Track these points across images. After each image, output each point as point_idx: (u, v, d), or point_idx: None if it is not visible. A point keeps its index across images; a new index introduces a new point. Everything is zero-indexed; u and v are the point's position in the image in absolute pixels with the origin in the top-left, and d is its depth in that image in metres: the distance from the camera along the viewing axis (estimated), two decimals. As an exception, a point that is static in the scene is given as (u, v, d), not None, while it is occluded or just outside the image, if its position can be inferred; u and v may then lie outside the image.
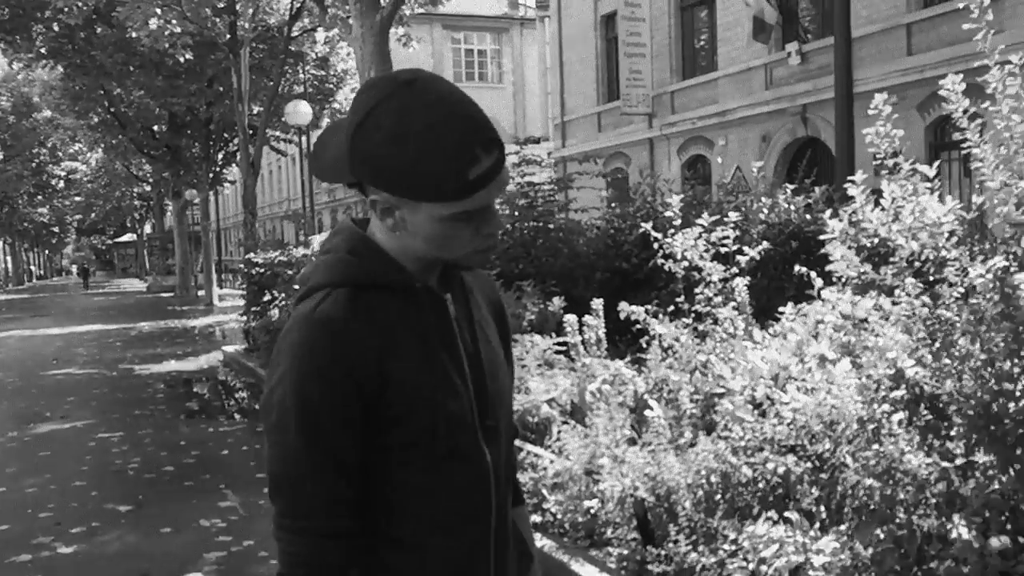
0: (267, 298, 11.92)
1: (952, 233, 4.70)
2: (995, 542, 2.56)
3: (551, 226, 8.81)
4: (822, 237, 5.77)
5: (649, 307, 5.53)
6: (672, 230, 5.55)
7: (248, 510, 5.65)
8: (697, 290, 5.39)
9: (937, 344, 2.98)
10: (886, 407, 2.88)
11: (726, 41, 20.44)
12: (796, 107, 18.51)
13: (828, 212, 7.10)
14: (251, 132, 22.22)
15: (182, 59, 23.51)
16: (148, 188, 46.39)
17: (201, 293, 31.41)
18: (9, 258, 67.97)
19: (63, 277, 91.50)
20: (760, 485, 3.37)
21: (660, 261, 5.59)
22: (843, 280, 4.40)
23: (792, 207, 7.98)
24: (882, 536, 2.67)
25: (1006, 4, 13.94)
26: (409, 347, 1.31)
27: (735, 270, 5.54)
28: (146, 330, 19.95)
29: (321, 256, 1.39)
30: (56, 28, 24.64)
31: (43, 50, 26.42)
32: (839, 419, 3.01)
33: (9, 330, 21.65)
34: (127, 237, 71.27)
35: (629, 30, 22.36)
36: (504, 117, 41.06)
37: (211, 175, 31.88)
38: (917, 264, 4.84)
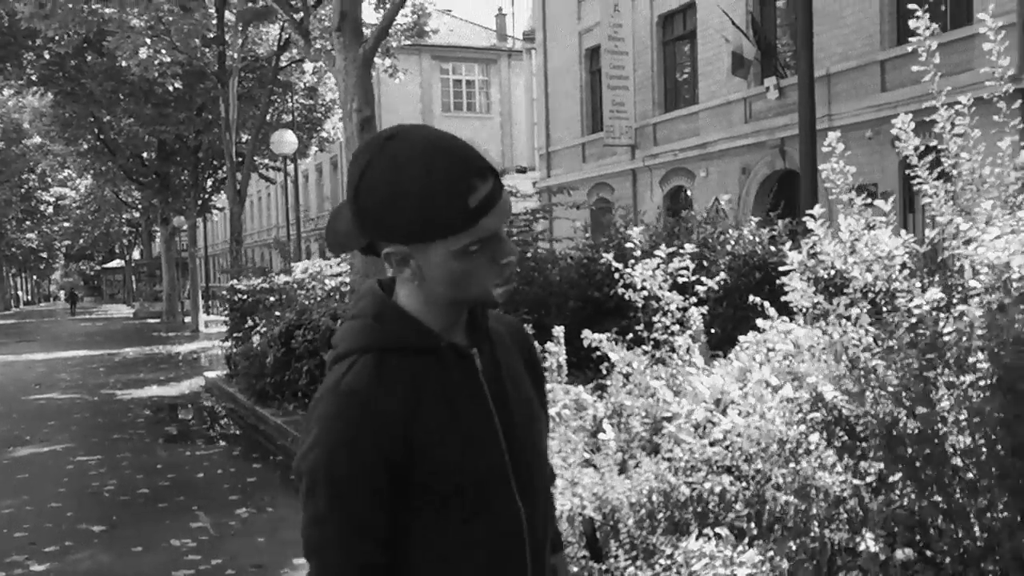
0: (249, 324, 12.07)
1: (904, 265, 4.94)
2: (899, 554, 2.75)
3: (526, 255, 9.02)
4: (782, 268, 6.01)
5: (609, 335, 5.73)
6: (633, 260, 5.77)
7: (219, 531, 5.80)
8: (655, 318, 5.60)
9: (857, 370, 3.19)
10: (802, 428, 3.07)
11: (707, 75, 20.83)
12: (775, 140, 18.86)
13: (788, 244, 7.33)
14: (239, 160, 22.46)
15: (171, 88, 23.76)
16: (137, 215, 46.59)
17: (188, 319, 31.48)
18: (-4, 283, 67.87)
19: (51, 303, 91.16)
20: (697, 503, 3.56)
21: (621, 290, 5.80)
22: (800, 310, 4.60)
23: (757, 239, 8.22)
24: (795, 549, 2.86)
25: (975, 42, 14.36)
26: (433, 410, 1.32)
27: (694, 300, 5.76)
28: (130, 356, 20.03)
29: (348, 320, 1.41)
30: (47, 56, 24.85)
31: (33, 77, 26.65)
32: (765, 440, 3.20)
33: (-7, 355, 21.70)
34: (115, 263, 71.21)
35: (613, 63, 22.75)
36: (492, 147, 41.43)
37: (199, 202, 32.09)
38: (871, 295, 5.09)
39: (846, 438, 3.02)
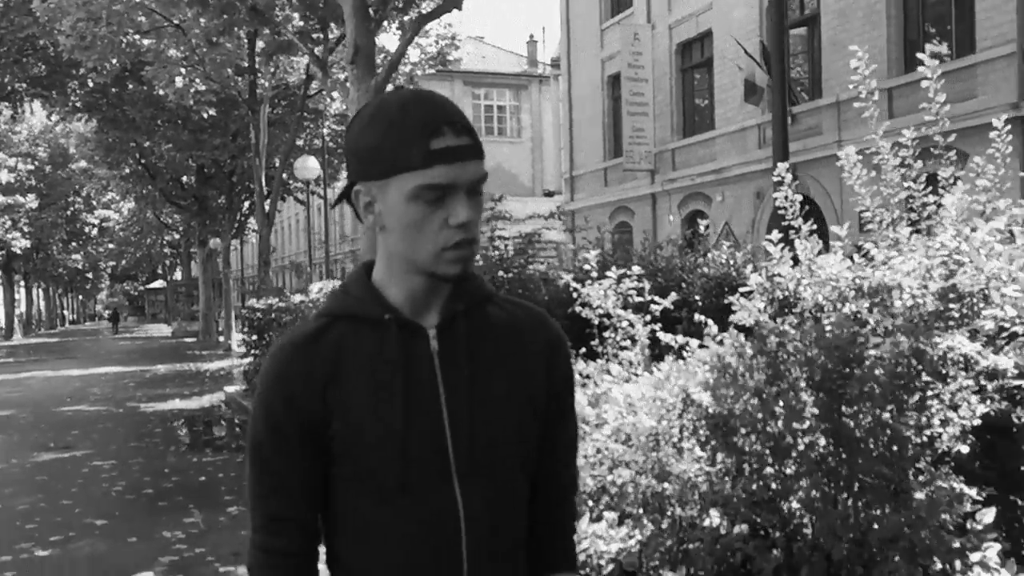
0: (265, 341, 12.69)
1: (858, 289, 5.37)
2: (736, 529, 3.18)
3: (510, 275, 9.50)
4: (742, 289, 6.48)
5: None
6: (590, 281, 6.23)
7: (208, 525, 6.33)
8: (606, 334, 6.06)
9: (726, 375, 3.63)
10: (665, 423, 3.52)
11: (723, 102, 21.24)
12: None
13: (750, 268, 7.76)
14: (268, 185, 23.29)
15: (206, 115, 24.81)
16: (177, 236, 47.88)
17: (222, 338, 32.38)
18: (43, 303, 69.81)
19: (95, 322, 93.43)
20: (601, 493, 4.00)
21: (578, 308, 6.26)
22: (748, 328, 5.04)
23: (731, 261, 8.63)
24: (647, 524, 3.29)
25: (978, 71, 14.66)
26: (361, 379, 1.31)
27: (648, 317, 6.20)
28: (161, 372, 20.82)
29: None
30: (90, 84, 25.95)
31: (78, 104, 27.85)
32: (636, 434, 3.64)
33: (33, 372, 22.64)
34: (157, 284, 72.89)
35: (632, 90, 23.26)
36: (523, 171, 42.09)
37: (235, 225, 33.09)
38: (820, 314, 5.55)
39: (707, 433, 3.46)
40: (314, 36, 16.52)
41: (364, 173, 1.31)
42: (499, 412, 1.36)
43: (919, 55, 6.84)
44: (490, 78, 41.84)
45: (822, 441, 3.23)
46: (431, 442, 1.31)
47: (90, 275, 75.84)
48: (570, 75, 28.14)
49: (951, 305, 5.03)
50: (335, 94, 25.44)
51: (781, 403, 3.31)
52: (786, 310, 5.51)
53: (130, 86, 25.70)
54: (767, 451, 3.36)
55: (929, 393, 3.33)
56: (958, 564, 3.36)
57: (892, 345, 3.38)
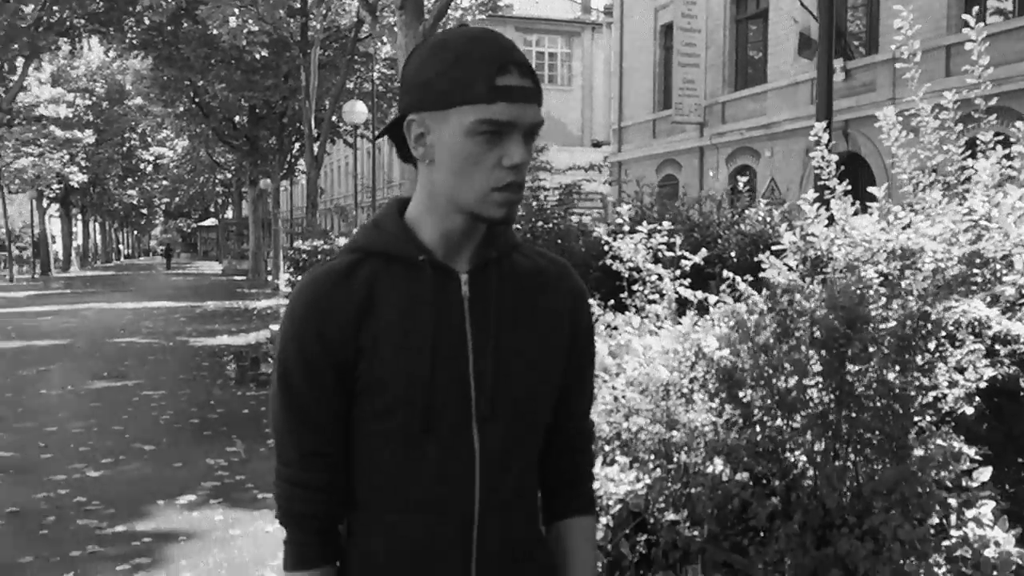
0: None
1: (891, 251, 5.43)
2: (739, 476, 3.34)
3: (550, 226, 9.63)
4: (774, 247, 6.56)
5: (599, 301, 6.33)
6: (621, 235, 6.35)
7: (248, 455, 6.66)
8: (635, 287, 6.19)
9: (737, 331, 3.76)
10: (677, 375, 3.66)
11: (776, 55, 20.89)
12: (839, 122, 18.88)
13: (784, 226, 7.83)
14: (317, 128, 23.51)
15: (258, 56, 24.98)
16: (229, 176, 48.58)
17: (271, 278, 33.01)
18: (99, 237, 71.50)
19: (150, 257, 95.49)
20: (616, 439, 4.18)
21: (608, 261, 6.39)
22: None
23: (768, 219, 8.66)
24: (653, 468, 3.46)
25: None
26: (392, 318, 1.31)
27: (678, 272, 6.32)
28: (210, 309, 21.38)
29: None
30: (146, 21, 26.28)
31: (134, 41, 28.23)
32: (651, 384, 3.80)
33: (89, 303, 23.38)
34: (210, 222, 74.14)
35: (685, 40, 22.95)
36: (572, 119, 41.82)
37: (285, 166, 33.49)
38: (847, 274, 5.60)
39: (716, 385, 3.60)
40: (365, -20, 16.56)
41: (422, 103, 1.29)
42: (523, 360, 1.36)
43: (964, 16, 6.78)
44: (542, 24, 41.38)
45: (826, 397, 3.36)
46: (455, 387, 1.32)
47: (145, 211, 77.38)
48: (622, 23, 27.80)
49: (975, 270, 5.09)
50: (385, 38, 25.53)
51: (788, 359, 3.45)
52: (818, 269, 5.60)
53: (185, 25, 25.96)
54: (773, 405, 3.51)
55: (936, 355, 3.43)
56: (953, 519, 3.50)
57: (900, 307, 3.48)
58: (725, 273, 6.00)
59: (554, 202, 10.37)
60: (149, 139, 50.57)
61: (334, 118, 26.05)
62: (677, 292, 6.23)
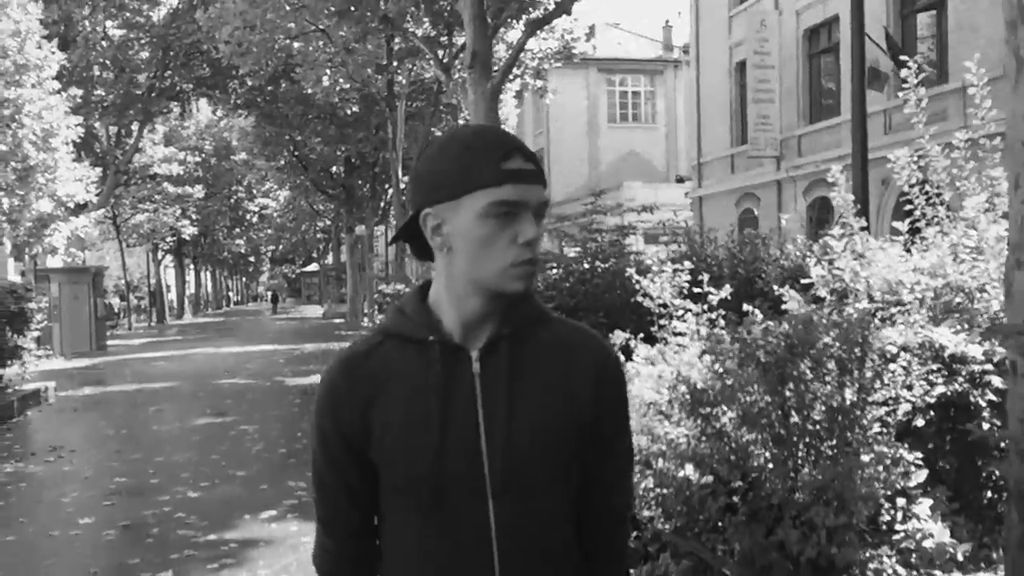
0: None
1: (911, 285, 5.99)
2: (704, 479, 3.95)
3: (607, 265, 10.28)
4: (803, 281, 7.15)
5: (627, 333, 6.97)
6: (651, 274, 6.99)
7: (326, 478, 7.51)
8: (662, 322, 6.81)
9: (710, 358, 4.39)
10: (659, 395, 4.30)
11: (848, 87, 21.09)
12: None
13: (814, 261, 8.36)
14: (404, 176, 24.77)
15: (350, 111, 26.57)
16: (328, 223, 50.75)
17: (367, 321, 34.40)
18: (210, 285, 75.14)
19: (258, 303, 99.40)
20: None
21: (639, 299, 7.04)
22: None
23: (807, 254, 9.15)
24: (635, 474, 4.10)
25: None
26: (401, 397, 1.37)
27: (705, 306, 6.91)
28: (308, 350, 22.69)
29: None
30: (248, 83, 28.17)
31: (238, 102, 30.27)
32: (637, 403, 4.44)
33: (198, 348, 25.06)
34: (312, 267, 77.00)
35: (759, 77, 23.38)
36: (656, 156, 42.32)
37: (379, 212, 35.06)
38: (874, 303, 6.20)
39: (689, 404, 4.23)
40: (440, 41, 17.70)
41: (436, 196, 1.35)
42: (536, 434, 1.37)
43: (966, 63, 7.32)
44: (625, 64, 42.15)
45: (775, 414, 3.96)
46: (467, 462, 1.35)
47: (252, 259, 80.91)
48: (699, 63, 28.37)
49: (956, 298, 5.61)
50: (457, 95, 26.80)
51: (750, 380, 4.07)
52: (844, 300, 6.15)
53: (283, 85, 27.75)
54: (739, 419, 4.12)
55: (869, 375, 3.99)
56: (899, 516, 4.05)
57: (842, 332, 4.07)
58: (744, 307, 6.60)
59: (608, 243, 11.04)
60: (254, 191, 53.25)
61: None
62: (708, 323, 6.84)
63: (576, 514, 1.45)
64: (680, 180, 35.62)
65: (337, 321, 39.50)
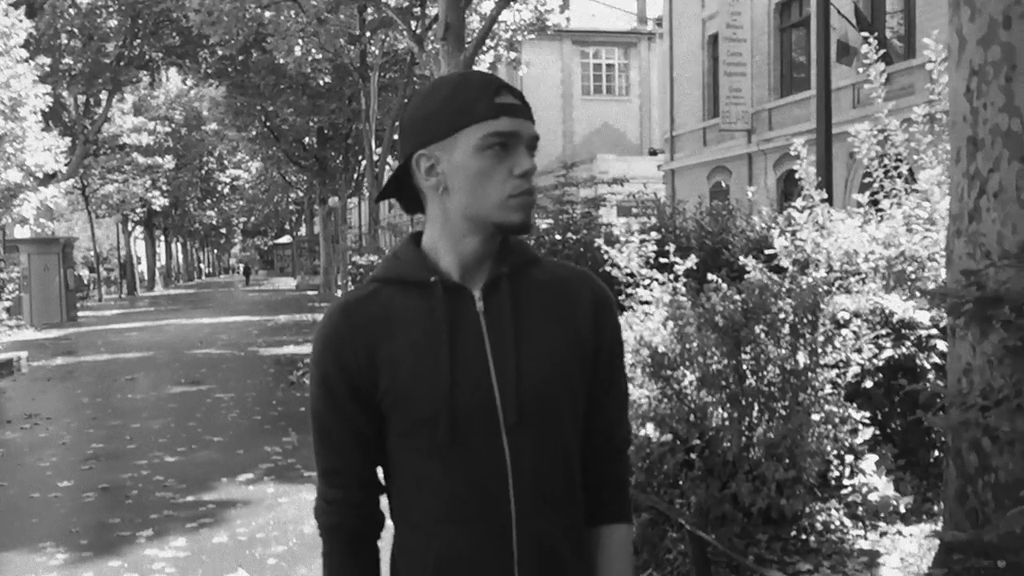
0: (366, 293, 14.07)
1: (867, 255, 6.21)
2: (664, 437, 4.16)
3: (576, 237, 10.47)
4: (767, 252, 7.38)
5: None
6: (618, 244, 7.18)
7: (300, 443, 7.67)
8: (629, 291, 7.01)
9: (672, 324, 4.59)
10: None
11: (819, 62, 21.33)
12: (880, 126, 19.29)
13: (776, 232, 8.58)
14: (378, 147, 24.74)
15: (322, 82, 26.42)
16: (301, 194, 50.50)
17: (340, 292, 34.44)
18: (181, 257, 74.58)
19: (229, 275, 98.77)
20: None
21: (608, 268, 7.23)
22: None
23: (771, 226, 9.38)
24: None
25: None
26: (407, 338, 1.37)
27: (672, 276, 7.12)
28: (281, 321, 22.75)
29: None
30: (219, 53, 27.91)
31: (209, 71, 30.00)
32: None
33: (170, 319, 25.04)
34: (285, 239, 76.60)
35: (730, 50, 23.55)
36: (630, 129, 42.40)
37: (352, 184, 34.98)
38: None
39: (651, 367, 4.44)
40: (413, 12, 17.69)
41: (428, 136, 1.37)
42: (545, 365, 1.39)
43: (925, 39, 7.52)
44: (599, 36, 42.01)
45: (732, 377, 4.17)
46: (479, 397, 1.36)
47: (224, 230, 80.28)
48: (672, 36, 28.49)
49: (908, 267, 5.85)
50: (430, 67, 26.75)
51: (709, 344, 4.27)
52: (806, 269, 6.36)
53: (254, 55, 27.51)
54: (696, 382, 4.33)
55: (821, 339, 4.21)
56: (847, 471, 4.29)
57: (796, 299, 4.28)
58: (709, 276, 6.81)
59: (580, 215, 11.22)
60: (225, 162, 52.83)
61: (395, 137, 27.29)
62: (673, 292, 7.04)
63: (580, 447, 1.46)
64: (653, 153, 35.80)
65: (310, 293, 39.49)
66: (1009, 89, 3.53)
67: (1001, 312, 2.56)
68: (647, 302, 6.92)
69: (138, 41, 28.58)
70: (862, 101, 19.93)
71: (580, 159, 35.79)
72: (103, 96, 29.52)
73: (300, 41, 22.73)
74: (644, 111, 42.64)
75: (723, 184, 24.84)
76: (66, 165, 25.96)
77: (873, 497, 4.15)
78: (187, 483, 6.47)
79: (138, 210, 45.33)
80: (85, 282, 40.79)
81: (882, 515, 4.12)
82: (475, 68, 13.50)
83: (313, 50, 23.41)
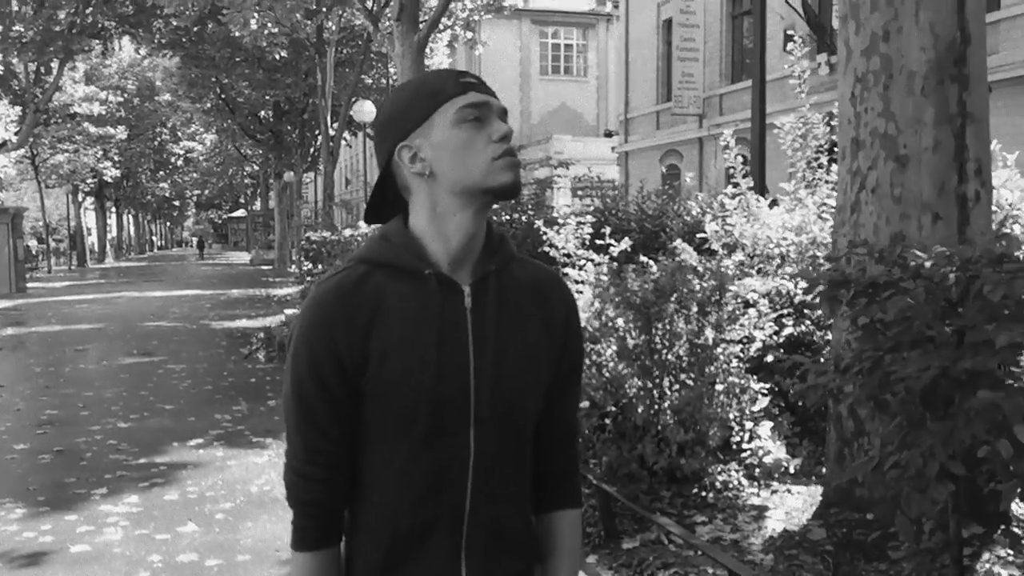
0: (318, 269, 14.35)
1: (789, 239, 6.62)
2: (582, 404, 4.58)
3: (524, 218, 10.84)
4: (699, 236, 7.80)
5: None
6: (556, 226, 7.56)
7: (251, 412, 7.99)
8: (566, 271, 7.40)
9: (597, 302, 4.99)
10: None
11: (768, 49, 21.84)
12: (824, 113, 19.87)
13: (708, 217, 9.00)
14: (335, 123, 24.83)
15: (278, 56, 26.39)
16: (256, 168, 50.19)
17: (294, 267, 34.47)
18: (133, 229, 73.67)
19: (183, 248, 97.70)
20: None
21: (546, 249, 7.61)
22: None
23: (705, 211, 9.84)
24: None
25: (1000, 27, 15.21)
26: (398, 329, 1.39)
27: (607, 257, 7.52)
28: (234, 296, 22.87)
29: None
30: (173, 23, 27.69)
31: (163, 41, 29.69)
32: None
33: (122, 292, 25.00)
34: (239, 213, 75.89)
35: (684, 35, 23.99)
36: (587, 110, 42.79)
37: (308, 159, 34.95)
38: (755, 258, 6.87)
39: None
40: (369, -11, 17.82)
41: (406, 127, 1.42)
42: (520, 368, 1.45)
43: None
44: (558, 16, 42.26)
45: (643, 350, 4.58)
46: (456, 392, 1.40)
47: (177, 203, 79.45)
48: (627, 18, 28.86)
49: (818, 253, 6.33)
50: (385, 46, 26.82)
51: (621, 322, 4.68)
52: (733, 253, 6.80)
53: (209, 26, 27.33)
54: (613, 355, 4.74)
55: (725, 316, 4.64)
56: (746, 436, 4.73)
57: (707, 281, 4.69)
58: (642, 257, 7.21)
59: (528, 195, 11.59)
60: (179, 134, 52.25)
61: (351, 113, 27.39)
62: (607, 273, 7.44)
63: (534, 438, 1.53)
64: (609, 134, 36.22)
65: (265, 268, 39.44)
66: (886, 96, 3.96)
67: (842, 293, 2.98)
68: (580, 282, 7.35)
69: (90, 9, 28.20)
70: (808, 92, 20.50)
71: (537, 139, 36.16)
72: (54, 64, 29.13)
73: (256, 14, 22.70)
74: (601, 92, 43.01)
75: (677, 167, 25.36)
76: (16, 134, 25.72)
77: (768, 459, 4.60)
78: (140, 447, 6.76)
79: (89, 181, 44.75)
80: (34, 253, 40.28)
81: (775, 475, 4.58)
82: (430, 48, 13.74)
83: (269, 24, 23.41)
